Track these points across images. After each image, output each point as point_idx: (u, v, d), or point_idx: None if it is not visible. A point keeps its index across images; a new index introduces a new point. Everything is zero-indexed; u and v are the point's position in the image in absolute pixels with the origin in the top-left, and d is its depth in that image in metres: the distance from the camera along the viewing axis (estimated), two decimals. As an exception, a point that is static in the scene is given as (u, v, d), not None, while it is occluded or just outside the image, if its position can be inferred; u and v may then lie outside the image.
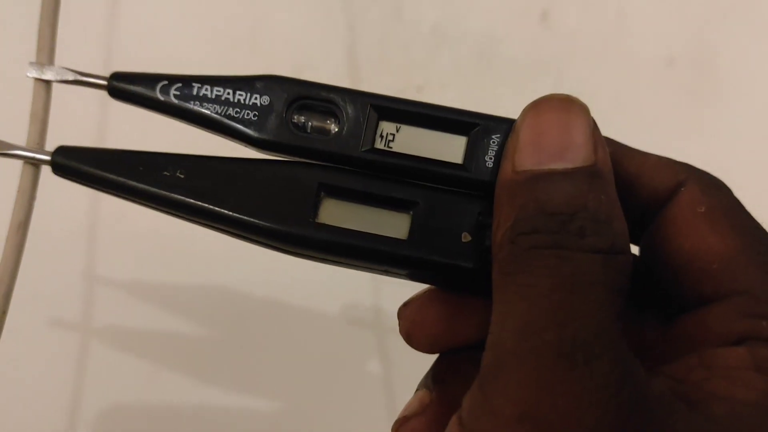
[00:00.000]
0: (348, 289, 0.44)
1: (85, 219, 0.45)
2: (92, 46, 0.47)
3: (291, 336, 0.45)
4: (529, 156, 0.20)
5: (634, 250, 0.23)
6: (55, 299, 0.44)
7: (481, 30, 0.48)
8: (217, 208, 0.23)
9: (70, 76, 0.24)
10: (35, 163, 0.24)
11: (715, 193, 0.22)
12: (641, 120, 0.47)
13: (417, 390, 0.25)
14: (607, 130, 0.51)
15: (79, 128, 0.44)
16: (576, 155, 0.20)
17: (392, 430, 0.25)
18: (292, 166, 0.23)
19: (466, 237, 0.22)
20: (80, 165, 0.23)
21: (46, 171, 0.24)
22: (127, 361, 0.44)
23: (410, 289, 0.25)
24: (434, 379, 0.25)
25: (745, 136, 0.47)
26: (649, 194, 0.22)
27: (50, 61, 0.25)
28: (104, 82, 0.24)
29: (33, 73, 0.24)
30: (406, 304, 0.25)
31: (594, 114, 0.50)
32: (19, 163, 0.24)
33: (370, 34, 0.48)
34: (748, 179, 0.46)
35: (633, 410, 0.18)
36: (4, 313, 0.23)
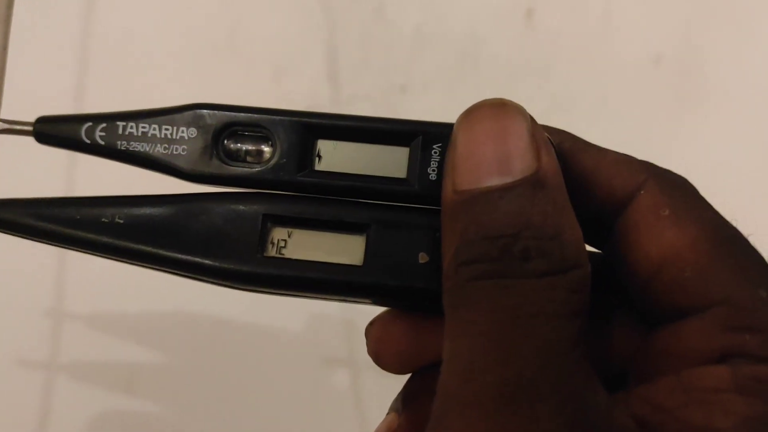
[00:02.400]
0: (321, 321, 0.44)
1: (53, 254, 0.43)
2: (68, 46, 0.46)
3: (263, 370, 0.43)
4: (466, 174, 0.19)
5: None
6: (20, 336, 0.42)
7: (465, 30, 0.47)
8: (159, 251, 0.22)
9: None
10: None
11: (678, 193, 0.20)
12: (627, 120, 0.47)
13: (387, 413, 0.24)
14: (592, 129, 0.50)
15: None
16: (515, 166, 0.18)
17: None
18: (235, 197, 0.22)
19: (423, 257, 0.21)
20: (17, 218, 0.22)
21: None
22: (95, 395, 0.42)
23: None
24: (404, 399, 0.24)
25: (731, 136, 0.47)
26: (607, 194, 0.21)
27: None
28: (30, 128, 0.23)
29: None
30: (371, 323, 0.24)
31: (579, 114, 0.49)
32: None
33: (351, 35, 0.47)
34: (734, 179, 0.46)
35: None
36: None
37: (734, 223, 0.20)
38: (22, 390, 0.42)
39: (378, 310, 0.24)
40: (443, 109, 0.45)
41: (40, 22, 0.45)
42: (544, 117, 0.48)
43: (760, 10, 0.48)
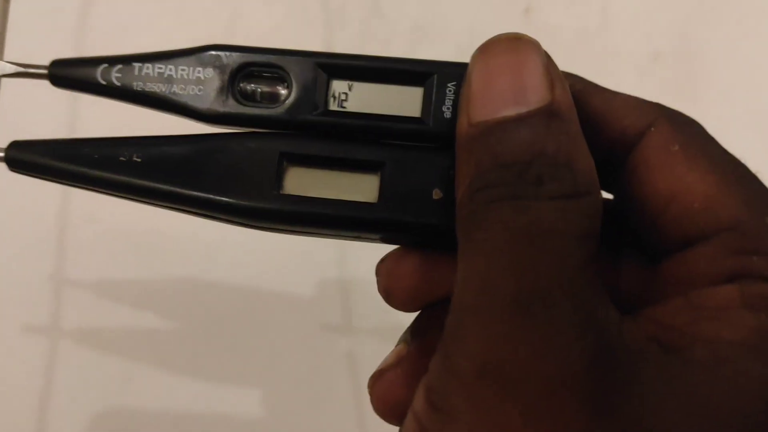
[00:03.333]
0: (318, 288, 0.44)
1: (54, 221, 0.44)
2: (63, 41, 0.46)
3: (263, 336, 0.44)
4: (481, 106, 0.19)
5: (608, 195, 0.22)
6: (24, 303, 0.43)
7: (463, 25, 0.47)
8: (177, 189, 0.22)
9: (11, 69, 0.24)
10: (-13, 160, 0.23)
11: (687, 130, 0.21)
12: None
13: (396, 345, 0.24)
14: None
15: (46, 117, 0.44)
16: (530, 97, 0.19)
17: (368, 384, 0.24)
18: (251, 137, 0.22)
19: (437, 194, 0.22)
20: (35, 158, 0.23)
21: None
22: (99, 364, 0.43)
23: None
24: (413, 332, 0.24)
25: (728, 132, 0.47)
26: (618, 134, 0.21)
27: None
28: (45, 71, 0.23)
29: (-27, 71, 0.24)
30: (382, 260, 0.24)
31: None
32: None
33: (349, 31, 0.47)
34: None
35: (597, 356, 0.17)
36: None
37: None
38: (25, 358, 0.42)
39: (388, 251, 0.24)
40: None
41: (35, 15, 0.45)
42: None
43: (758, 6, 0.48)
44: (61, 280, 0.43)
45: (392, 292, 0.24)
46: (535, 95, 0.19)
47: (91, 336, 0.43)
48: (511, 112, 0.19)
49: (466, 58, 0.51)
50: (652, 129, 0.20)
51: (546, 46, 0.48)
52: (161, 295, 0.43)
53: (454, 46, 0.47)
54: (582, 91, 0.21)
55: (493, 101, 0.19)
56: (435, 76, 0.22)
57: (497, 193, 0.18)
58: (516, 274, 0.17)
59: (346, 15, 0.47)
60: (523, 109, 0.19)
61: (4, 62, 0.24)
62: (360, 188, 0.22)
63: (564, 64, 0.46)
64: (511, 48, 0.20)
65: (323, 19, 0.47)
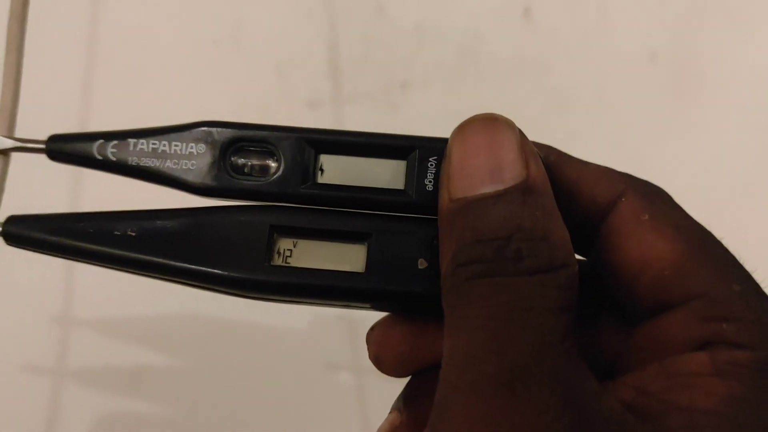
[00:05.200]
0: (324, 325, 0.44)
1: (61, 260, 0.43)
2: (74, 43, 0.47)
3: (270, 374, 0.44)
4: (461, 184, 0.20)
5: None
6: (29, 343, 0.43)
7: (464, 26, 0.48)
8: (171, 262, 0.22)
9: (9, 144, 0.24)
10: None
11: (656, 200, 0.22)
12: (623, 116, 0.47)
13: (390, 412, 0.25)
14: (589, 125, 0.51)
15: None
16: (506, 175, 0.20)
17: None
18: (242, 210, 0.23)
19: (422, 263, 0.22)
20: (31, 233, 0.23)
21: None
22: (102, 401, 0.42)
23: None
24: (405, 400, 0.25)
25: (726, 132, 0.47)
26: (590, 203, 0.22)
27: (11, 132, 0.25)
28: (42, 146, 0.24)
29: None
30: (372, 328, 0.25)
31: (576, 110, 0.50)
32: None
33: (352, 32, 0.48)
34: (729, 174, 0.47)
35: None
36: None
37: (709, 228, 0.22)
38: (30, 396, 0.42)
39: (378, 315, 0.25)
40: (443, 105, 0.46)
41: (45, 18, 0.46)
42: (541, 113, 0.49)
43: (755, 7, 0.48)
44: (68, 321, 0.43)
45: (383, 360, 0.24)
46: (510, 172, 0.20)
47: (95, 372, 0.43)
48: (488, 189, 0.20)
49: (467, 59, 0.51)
50: (623, 199, 0.22)
51: (545, 47, 0.49)
52: (166, 333, 0.43)
53: (455, 46, 0.48)
54: (556, 161, 0.22)
55: (472, 178, 0.20)
56: (417, 150, 0.22)
57: (478, 270, 0.19)
58: (498, 352, 0.18)
59: (350, 17, 0.48)
60: (500, 186, 0.20)
61: (2, 137, 0.24)
62: (348, 258, 0.23)
63: (563, 65, 0.47)
64: (486, 127, 0.21)
65: (327, 20, 0.48)
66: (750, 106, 0.47)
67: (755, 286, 0.20)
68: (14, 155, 0.25)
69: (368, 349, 0.25)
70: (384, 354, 0.24)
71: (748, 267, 0.21)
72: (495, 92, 0.47)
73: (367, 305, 0.23)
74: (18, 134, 0.25)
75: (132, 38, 0.47)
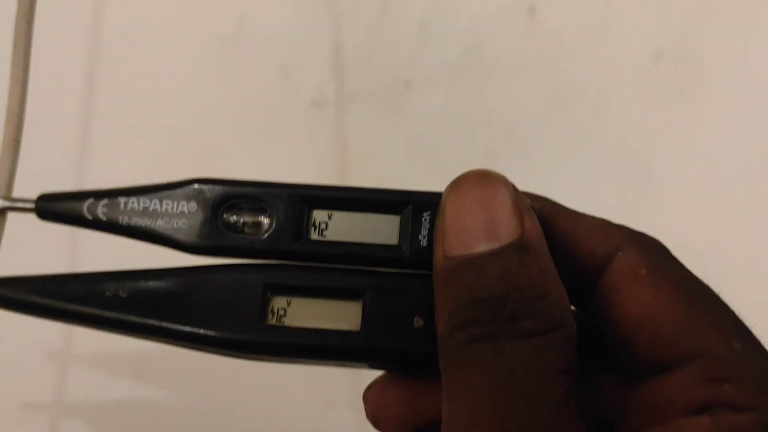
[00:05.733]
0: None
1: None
2: (76, 42, 0.47)
3: (271, 412, 0.43)
4: (456, 241, 0.20)
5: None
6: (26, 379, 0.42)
7: (468, 26, 0.48)
8: (163, 324, 0.22)
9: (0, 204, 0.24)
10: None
11: (653, 254, 0.21)
12: (627, 115, 0.47)
13: None
14: (593, 125, 0.51)
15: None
16: (501, 232, 0.19)
17: None
18: (234, 269, 0.23)
19: (418, 321, 0.22)
20: (20, 295, 0.23)
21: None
22: None
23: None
24: None
25: (730, 131, 0.47)
26: (587, 256, 0.22)
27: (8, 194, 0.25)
28: (32, 206, 0.23)
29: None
30: (369, 387, 0.24)
31: (580, 109, 0.50)
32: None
33: (356, 31, 0.48)
34: (734, 174, 0.46)
35: None
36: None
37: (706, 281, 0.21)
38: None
39: (375, 374, 0.25)
40: (447, 104, 0.46)
41: (48, 18, 0.46)
42: (546, 112, 0.49)
43: (760, 6, 0.48)
44: (65, 356, 0.42)
45: (380, 420, 0.24)
46: (505, 230, 0.19)
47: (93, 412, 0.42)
48: (484, 247, 0.19)
49: (472, 58, 0.51)
50: (620, 253, 0.21)
51: (549, 46, 0.48)
52: (164, 370, 0.43)
53: (460, 46, 0.48)
54: (551, 213, 0.22)
55: (467, 236, 0.20)
56: (410, 205, 0.22)
57: (476, 333, 0.19)
58: (497, 418, 0.18)
59: (354, 16, 0.48)
60: (495, 245, 0.19)
61: None
62: (343, 316, 0.22)
63: (567, 64, 0.47)
64: (480, 184, 0.20)
65: (331, 20, 0.48)
66: (754, 105, 0.47)
67: (756, 343, 0.20)
68: (10, 214, 0.24)
69: (365, 408, 0.24)
70: (382, 415, 0.24)
71: (747, 322, 0.21)
72: (499, 91, 0.47)
73: (364, 364, 0.23)
74: (20, 134, 0.25)
75: (135, 38, 0.47)
